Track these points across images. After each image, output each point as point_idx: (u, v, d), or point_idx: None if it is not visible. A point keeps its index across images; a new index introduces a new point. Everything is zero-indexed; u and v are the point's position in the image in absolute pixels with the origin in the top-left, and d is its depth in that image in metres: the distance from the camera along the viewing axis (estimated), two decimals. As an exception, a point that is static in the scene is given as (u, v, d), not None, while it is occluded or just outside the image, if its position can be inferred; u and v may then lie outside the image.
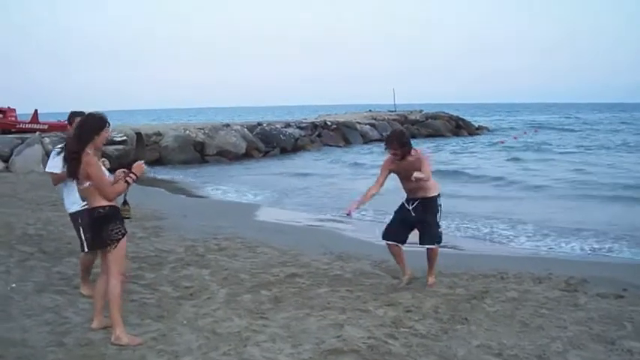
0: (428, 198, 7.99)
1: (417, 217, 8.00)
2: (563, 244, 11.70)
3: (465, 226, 13.03)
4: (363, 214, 13.88)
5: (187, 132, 31.21)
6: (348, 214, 8.22)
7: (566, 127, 67.18)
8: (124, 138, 27.41)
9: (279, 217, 14.71)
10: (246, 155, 32.18)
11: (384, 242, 8.21)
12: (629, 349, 5.82)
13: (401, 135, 8.13)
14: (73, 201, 6.87)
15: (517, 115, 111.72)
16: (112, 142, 26.22)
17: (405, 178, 7.92)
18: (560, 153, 34.42)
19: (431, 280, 8.13)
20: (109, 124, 5.93)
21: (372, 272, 8.81)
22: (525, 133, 57.64)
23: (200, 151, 30.62)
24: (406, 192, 8.12)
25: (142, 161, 6.08)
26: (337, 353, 5.62)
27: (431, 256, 8.09)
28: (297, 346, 5.81)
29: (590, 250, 11.20)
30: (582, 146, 40.03)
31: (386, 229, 8.26)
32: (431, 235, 8.01)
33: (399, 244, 8.10)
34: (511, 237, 12.33)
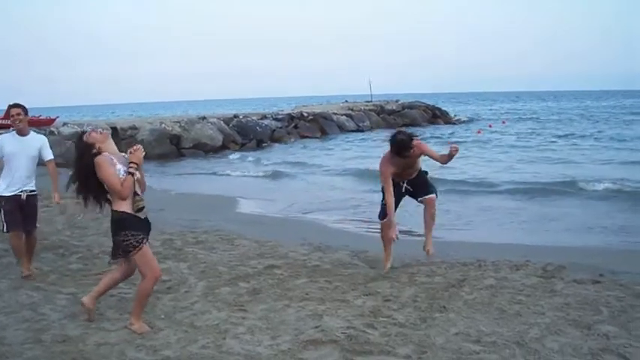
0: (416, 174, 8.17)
1: (408, 187, 8.15)
2: (540, 232, 11.81)
3: (441, 214, 12.94)
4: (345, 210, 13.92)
5: (163, 125, 31.03)
6: (396, 238, 8.07)
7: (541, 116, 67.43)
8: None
9: (256, 210, 14.68)
10: (223, 148, 32.00)
11: (381, 222, 8.23)
12: (605, 333, 5.87)
13: (408, 140, 7.77)
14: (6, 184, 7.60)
15: (491, 105, 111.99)
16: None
17: (405, 167, 8.00)
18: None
19: (431, 249, 8.25)
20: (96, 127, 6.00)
21: (351, 262, 8.83)
22: (504, 122, 57.84)
23: (176, 144, 30.41)
24: (397, 177, 8.10)
25: (139, 145, 5.96)
26: (316, 344, 5.63)
27: (430, 209, 8.15)
28: (276, 337, 5.82)
29: (567, 237, 11.28)
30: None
31: (381, 207, 8.25)
32: (428, 186, 8.17)
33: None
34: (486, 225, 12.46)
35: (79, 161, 5.87)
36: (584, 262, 8.69)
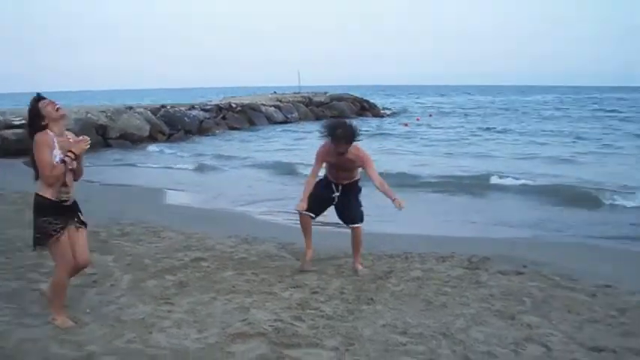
0: (352, 181, 7.96)
1: (340, 199, 7.93)
2: (464, 225, 12.01)
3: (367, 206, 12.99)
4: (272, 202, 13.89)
5: (89, 115, 30.38)
6: (300, 210, 7.90)
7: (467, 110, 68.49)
8: (23, 122, 26.49)
9: (183, 202, 14.55)
10: (150, 138, 31.54)
11: (296, 210, 7.98)
12: (528, 323, 6.02)
13: (353, 133, 7.50)
14: None
15: (419, 98, 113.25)
16: (11, 126, 25.38)
17: (335, 166, 7.82)
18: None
19: (359, 266, 7.98)
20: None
21: (278, 254, 8.80)
22: (431, 115, 58.57)
23: (102, 134, 29.77)
24: (332, 176, 7.97)
25: (87, 138, 5.72)
26: (244, 337, 5.60)
27: (356, 237, 7.95)
28: (202, 330, 5.77)
29: (490, 229, 11.49)
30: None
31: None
32: (355, 214, 7.94)
33: (312, 216, 7.98)
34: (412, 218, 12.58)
35: (28, 128, 5.68)
36: (507, 253, 8.88)
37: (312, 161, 7.94)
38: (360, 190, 8.06)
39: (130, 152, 27.41)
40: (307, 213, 7.90)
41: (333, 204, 8.01)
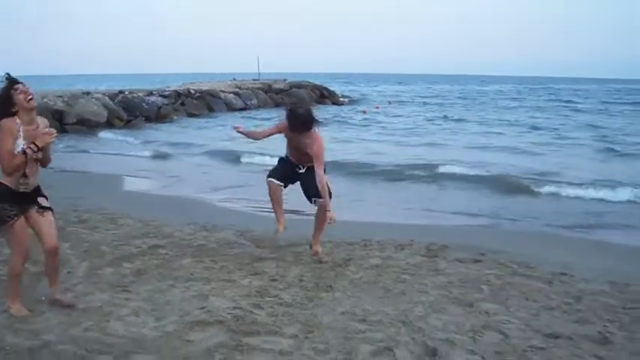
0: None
1: (305, 175, 7.71)
2: (421, 213, 12.08)
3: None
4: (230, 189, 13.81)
5: (45, 100, 29.91)
6: (236, 129, 7.93)
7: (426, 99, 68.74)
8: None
9: (141, 188, 14.40)
10: (108, 124, 31.18)
11: (267, 180, 7.72)
12: (486, 310, 6.08)
13: (309, 121, 7.37)
14: None
15: (377, 86, 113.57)
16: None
17: (295, 148, 7.65)
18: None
19: (321, 251, 7.95)
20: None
21: (237, 242, 8.75)
22: (390, 103, 58.76)
23: (59, 119, 29.38)
24: (295, 158, 7.75)
25: (53, 130, 5.58)
26: (202, 325, 5.56)
27: (322, 214, 7.73)
28: (161, 318, 5.71)
29: (447, 218, 11.56)
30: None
31: (272, 170, 7.80)
32: (318, 189, 7.60)
33: (282, 185, 7.71)
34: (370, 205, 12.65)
35: None
36: (465, 242, 8.94)
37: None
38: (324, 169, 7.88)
39: (84, 139, 26.81)
40: (276, 182, 7.66)
41: (298, 179, 7.81)
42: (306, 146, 7.50)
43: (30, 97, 5.43)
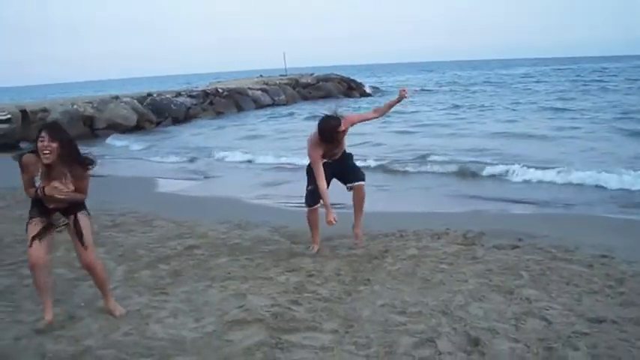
0: (343, 154, 7.92)
1: (337, 165, 7.82)
2: (456, 200, 11.97)
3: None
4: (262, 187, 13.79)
5: (75, 106, 30.16)
6: (334, 221, 7.55)
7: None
8: (9, 116, 26.36)
9: (174, 189, 14.43)
10: (138, 127, 31.37)
11: (306, 209, 7.94)
12: (527, 297, 5.99)
13: (337, 123, 7.42)
14: None
15: (404, 74, 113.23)
16: (-3, 121, 25.30)
17: (330, 149, 7.67)
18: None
19: (360, 234, 8.08)
20: None
21: (271, 238, 8.73)
22: (415, 91, 58.30)
23: (90, 125, 29.59)
24: (325, 158, 7.75)
25: (64, 188, 5.49)
26: (241, 324, 5.55)
27: (359, 197, 7.93)
28: (200, 319, 5.72)
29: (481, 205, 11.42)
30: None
31: (308, 193, 7.86)
32: (357, 172, 7.93)
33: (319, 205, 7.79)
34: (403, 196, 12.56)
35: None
36: (502, 228, 8.82)
37: (311, 162, 7.72)
38: (351, 155, 8.06)
39: (124, 141, 26.82)
40: (317, 205, 7.82)
41: (331, 171, 7.81)
42: (341, 136, 7.59)
43: (45, 151, 5.37)
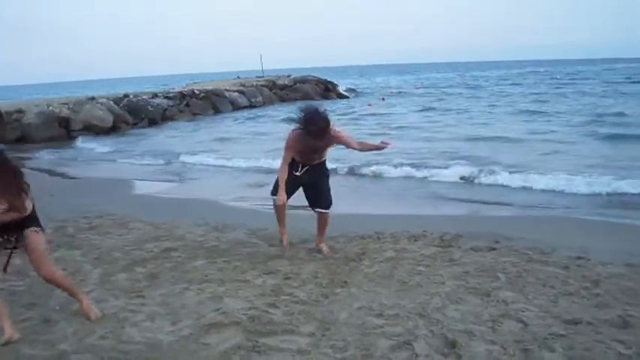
0: (319, 163, 7.81)
1: (308, 180, 7.77)
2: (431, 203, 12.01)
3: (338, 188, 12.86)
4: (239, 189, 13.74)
5: (51, 108, 29.99)
6: (279, 202, 7.71)
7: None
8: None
9: (150, 191, 14.37)
10: (114, 129, 31.20)
11: (271, 197, 7.92)
12: (503, 299, 6.02)
13: (327, 124, 7.20)
14: None
15: (379, 77, 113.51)
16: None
17: (312, 151, 7.60)
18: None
19: (324, 247, 8.01)
20: None
21: (249, 241, 8.70)
22: (392, 93, 58.48)
23: (65, 126, 29.46)
24: (301, 159, 7.70)
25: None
26: (218, 327, 5.53)
27: (323, 222, 7.97)
28: (176, 322, 5.69)
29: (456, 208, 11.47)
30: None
31: (275, 185, 7.84)
32: (325, 200, 7.87)
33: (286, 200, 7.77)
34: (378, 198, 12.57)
35: None
36: (478, 230, 8.86)
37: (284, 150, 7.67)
38: (328, 174, 7.98)
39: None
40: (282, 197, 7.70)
41: (300, 184, 7.86)
42: (325, 146, 7.53)
43: None
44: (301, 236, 8.49)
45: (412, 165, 15.73)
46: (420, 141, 22.14)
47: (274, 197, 7.85)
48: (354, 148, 7.51)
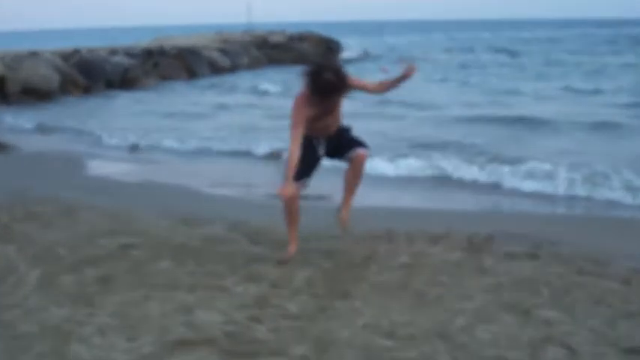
0: (336, 130, 7.59)
1: (330, 145, 7.56)
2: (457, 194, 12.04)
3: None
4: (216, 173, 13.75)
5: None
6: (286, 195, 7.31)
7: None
8: None
9: (105, 172, 14.37)
10: (62, 91, 31.08)
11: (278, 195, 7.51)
12: (546, 319, 5.98)
13: (338, 64, 7.10)
14: None
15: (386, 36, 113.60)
16: None
17: (325, 115, 7.28)
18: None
19: (347, 217, 7.90)
20: None
21: (227, 238, 8.66)
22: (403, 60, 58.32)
23: (1, 89, 29.28)
24: (312, 131, 7.38)
25: None
26: (187, 344, 5.52)
27: (356, 170, 7.59)
28: (134, 338, 5.66)
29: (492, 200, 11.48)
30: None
31: (286, 174, 7.32)
32: (358, 141, 7.54)
33: (304, 184, 7.51)
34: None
35: None
36: (516, 231, 8.85)
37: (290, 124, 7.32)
38: (350, 128, 7.75)
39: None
40: (300, 181, 7.39)
41: (321, 155, 7.61)
42: (336, 104, 7.30)
43: None
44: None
45: (430, 147, 15.79)
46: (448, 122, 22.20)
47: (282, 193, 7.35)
48: (376, 91, 7.58)
